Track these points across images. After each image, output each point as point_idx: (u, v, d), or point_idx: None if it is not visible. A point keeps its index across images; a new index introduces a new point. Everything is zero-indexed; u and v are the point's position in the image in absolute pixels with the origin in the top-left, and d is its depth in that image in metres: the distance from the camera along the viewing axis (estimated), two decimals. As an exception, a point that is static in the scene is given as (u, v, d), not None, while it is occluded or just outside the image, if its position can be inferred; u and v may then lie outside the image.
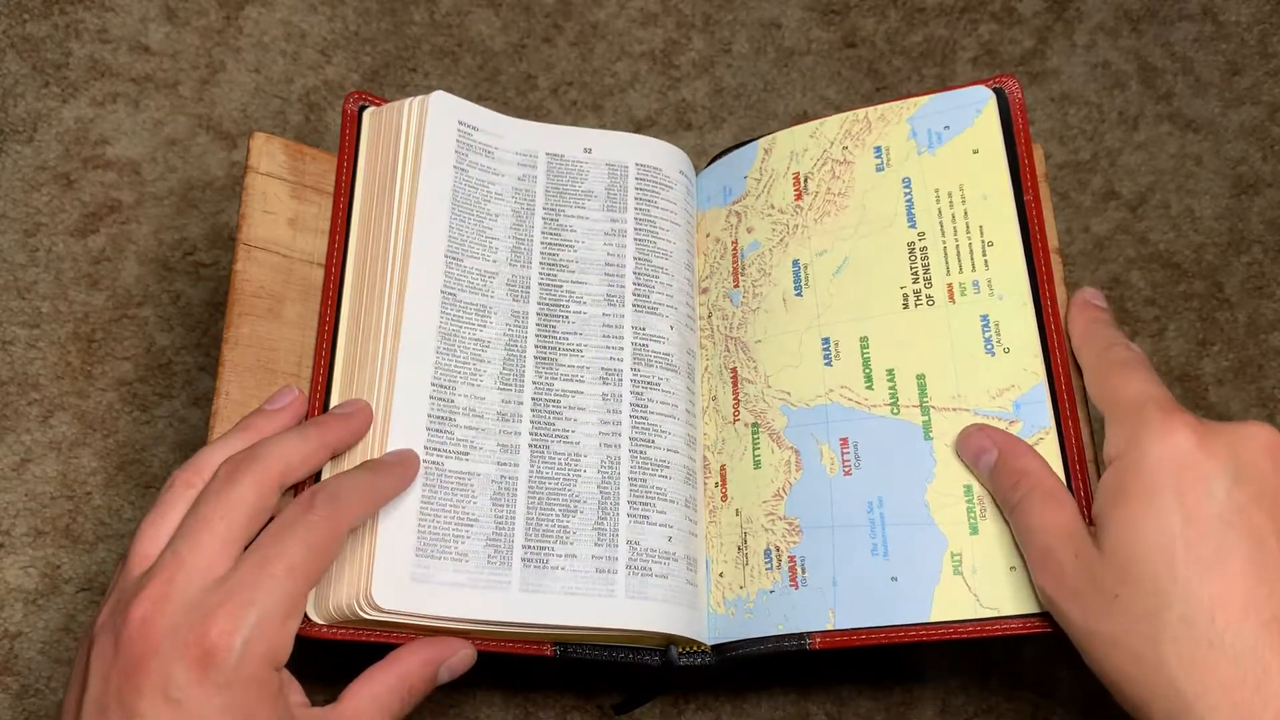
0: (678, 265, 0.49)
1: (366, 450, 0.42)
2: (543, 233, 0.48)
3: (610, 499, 0.44)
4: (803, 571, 0.43)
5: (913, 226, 0.45)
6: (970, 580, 0.40)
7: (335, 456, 0.41)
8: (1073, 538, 0.37)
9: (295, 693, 0.37)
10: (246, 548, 0.37)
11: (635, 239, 0.48)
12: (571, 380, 0.46)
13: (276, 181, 0.47)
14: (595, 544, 0.43)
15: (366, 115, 0.47)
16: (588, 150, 0.49)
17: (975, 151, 0.46)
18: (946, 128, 0.46)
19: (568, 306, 0.47)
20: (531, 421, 0.45)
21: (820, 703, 0.51)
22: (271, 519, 0.38)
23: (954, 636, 0.40)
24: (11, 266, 0.55)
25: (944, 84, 0.61)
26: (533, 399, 0.45)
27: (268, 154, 0.47)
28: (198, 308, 0.56)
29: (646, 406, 0.45)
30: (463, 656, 0.41)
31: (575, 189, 0.49)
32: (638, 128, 0.61)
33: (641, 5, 0.63)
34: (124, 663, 0.34)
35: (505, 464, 0.44)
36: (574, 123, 0.61)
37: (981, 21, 0.62)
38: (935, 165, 0.46)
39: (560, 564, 0.43)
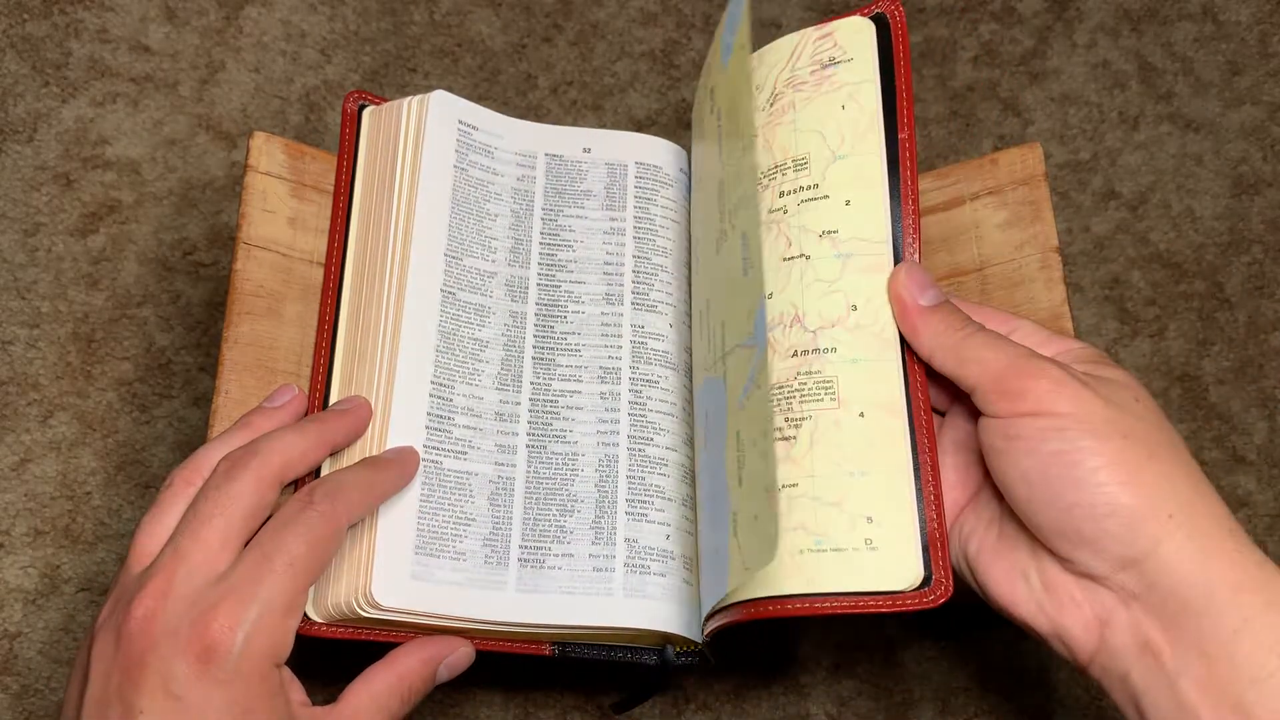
0: (677, 263, 0.49)
1: (366, 448, 0.42)
2: (541, 233, 0.48)
3: (608, 498, 0.44)
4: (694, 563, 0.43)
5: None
6: (743, 540, 0.38)
7: (334, 453, 0.41)
8: (1041, 355, 0.38)
9: (296, 691, 0.37)
10: (246, 544, 0.37)
11: (634, 237, 0.48)
12: (569, 380, 0.46)
13: (276, 181, 0.47)
14: (593, 543, 0.43)
15: (366, 115, 0.47)
16: (587, 150, 0.49)
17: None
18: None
19: (566, 307, 0.47)
20: (529, 422, 0.45)
21: (820, 703, 0.51)
22: (271, 515, 0.38)
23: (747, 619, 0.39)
24: (11, 266, 0.55)
25: (944, 83, 0.61)
26: (530, 399, 0.45)
27: (268, 153, 0.47)
28: (198, 307, 0.56)
29: (645, 404, 0.45)
30: (461, 654, 0.41)
31: (574, 189, 0.49)
32: (638, 127, 0.61)
33: (641, 5, 0.63)
34: (124, 659, 0.34)
35: (503, 464, 0.44)
36: (574, 122, 0.61)
37: (981, 21, 0.62)
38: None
39: (557, 564, 0.43)
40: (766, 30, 0.63)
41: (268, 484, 0.37)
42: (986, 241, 0.47)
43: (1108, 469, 0.35)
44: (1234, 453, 0.55)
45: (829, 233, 0.41)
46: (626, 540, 0.43)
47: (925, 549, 0.38)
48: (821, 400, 0.39)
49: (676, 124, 0.61)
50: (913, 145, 0.41)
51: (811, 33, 0.43)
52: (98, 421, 0.53)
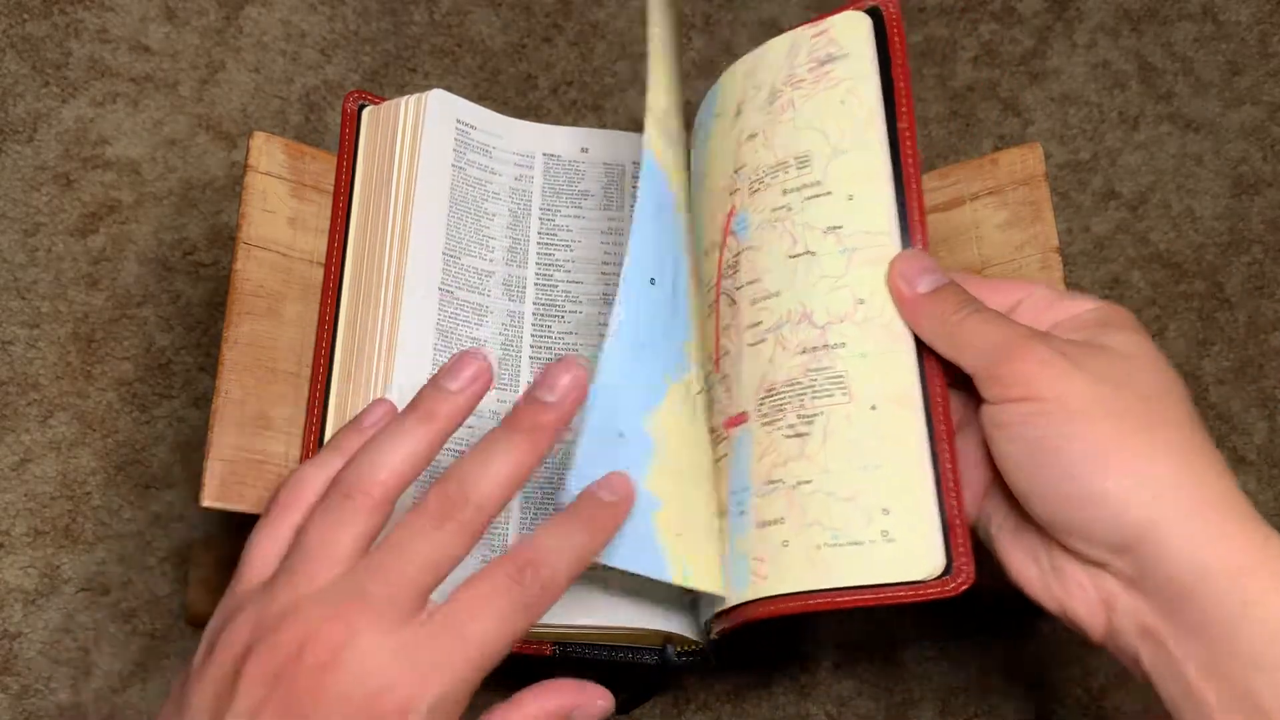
0: None
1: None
2: (539, 233, 0.48)
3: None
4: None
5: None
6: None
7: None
8: (1032, 333, 0.36)
9: None
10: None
11: None
12: None
13: (276, 181, 0.46)
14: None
15: (365, 114, 0.47)
16: (584, 150, 0.49)
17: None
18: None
19: (563, 306, 0.47)
20: None
21: (820, 703, 0.51)
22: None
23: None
24: (11, 266, 0.55)
25: (944, 83, 0.61)
26: None
27: (267, 153, 0.47)
28: (198, 307, 0.56)
29: None
30: (596, 710, 0.36)
31: (571, 189, 0.49)
32: (638, 128, 0.61)
33: (641, 5, 0.63)
34: (284, 707, 0.30)
35: None
36: (574, 122, 0.61)
37: (981, 21, 0.62)
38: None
39: None
40: (766, 30, 0.63)
41: (476, 537, 0.33)
42: (987, 241, 0.47)
43: (1087, 454, 0.34)
44: (1234, 453, 0.55)
45: (833, 228, 0.41)
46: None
47: (946, 537, 0.37)
48: (832, 396, 0.39)
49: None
50: (913, 136, 0.41)
51: (807, 30, 0.43)
52: (98, 421, 0.53)
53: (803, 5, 0.63)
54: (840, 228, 0.41)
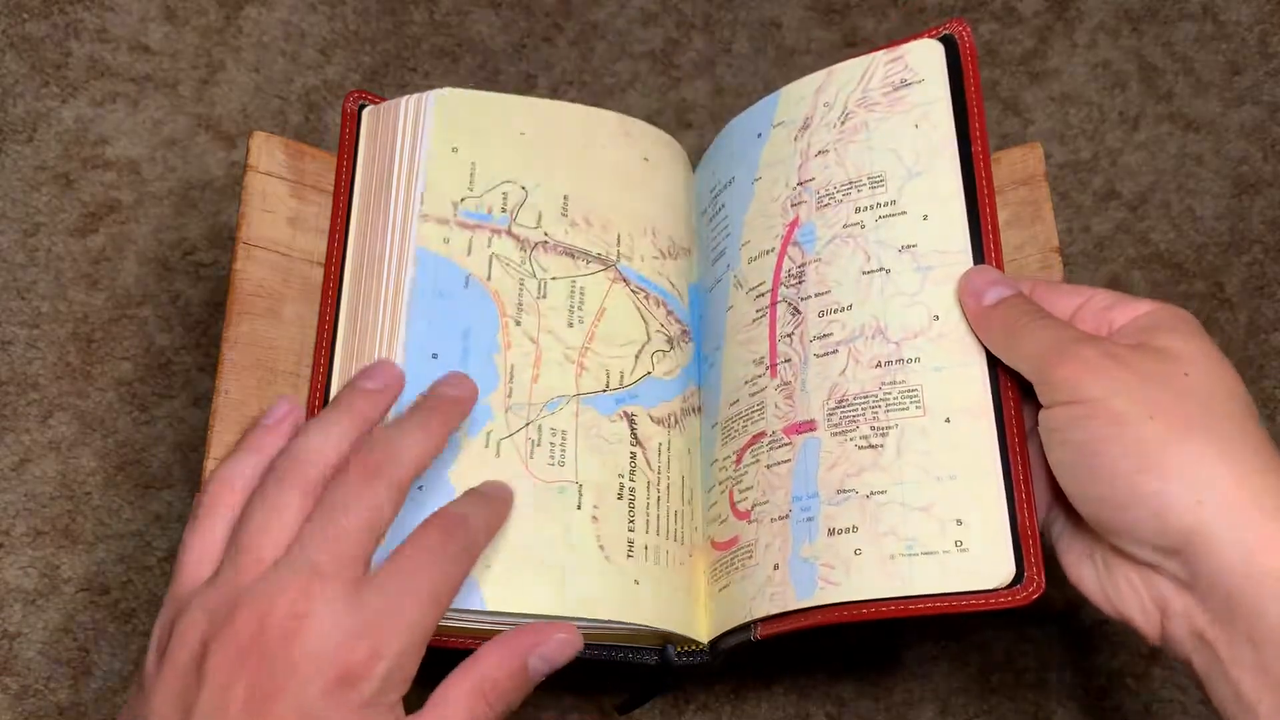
0: None
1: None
2: None
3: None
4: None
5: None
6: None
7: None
8: (1082, 336, 0.37)
9: None
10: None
11: None
12: None
13: (276, 181, 0.46)
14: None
15: (365, 114, 0.47)
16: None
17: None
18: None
19: None
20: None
21: (820, 703, 0.51)
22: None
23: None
24: (11, 266, 0.55)
25: (944, 84, 0.61)
26: None
27: (267, 153, 0.47)
28: (197, 307, 0.56)
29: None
30: (556, 643, 0.37)
31: None
32: (638, 128, 0.61)
33: (641, 5, 0.63)
34: (257, 680, 0.31)
35: None
36: (574, 123, 0.61)
37: (981, 21, 0.62)
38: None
39: None
40: (766, 30, 0.63)
41: (401, 498, 0.36)
42: (987, 241, 0.47)
43: (1129, 457, 0.34)
44: (1234, 453, 0.55)
45: (908, 247, 0.42)
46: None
47: (1017, 546, 0.38)
48: (907, 409, 0.40)
49: (676, 124, 0.61)
50: (987, 159, 0.43)
51: (882, 56, 0.45)
52: (98, 421, 0.53)
53: (804, 6, 0.63)
54: (915, 246, 0.42)
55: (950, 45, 0.44)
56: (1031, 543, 0.38)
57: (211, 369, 0.55)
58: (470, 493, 0.39)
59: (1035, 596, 0.37)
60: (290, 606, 0.32)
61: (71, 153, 0.58)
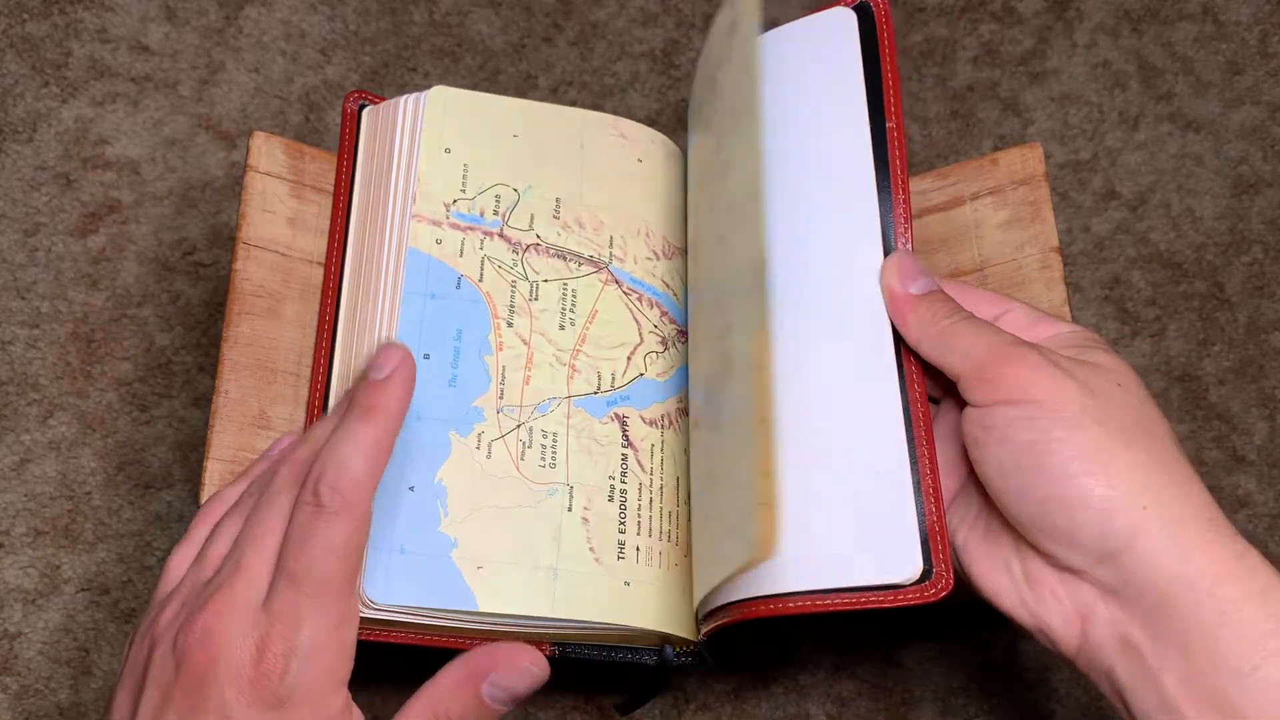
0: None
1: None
2: None
3: None
4: None
5: None
6: None
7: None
8: (1021, 340, 0.37)
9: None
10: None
11: None
12: None
13: (276, 181, 0.46)
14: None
15: (365, 114, 0.47)
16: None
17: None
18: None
19: None
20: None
21: (820, 703, 0.51)
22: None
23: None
24: (11, 266, 0.55)
25: (944, 83, 0.61)
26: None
27: (267, 153, 0.47)
28: (197, 307, 0.56)
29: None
30: (518, 672, 0.35)
31: None
32: (638, 128, 0.61)
33: (641, 5, 0.63)
34: (184, 679, 0.33)
35: None
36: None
37: (981, 21, 0.62)
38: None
39: None
40: (768, 30, 0.63)
41: (340, 512, 0.35)
42: (987, 241, 0.47)
43: (1080, 459, 0.34)
44: (1234, 453, 0.55)
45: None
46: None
47: (925, 543, 0.38)
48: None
49: (676, 124, 0.61)
50: (900, 135, 0.41)
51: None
52: (98, 421, 0.53)
53: (803, 6, 0.63)
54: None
55: (865, 14, 0.43)
56: (940, 538, 0.38)
57: (211, 369, 0.55)
58: (345, 407, 0.36)
59: (944, 594, 0.37)
60: (215, 607, 0.34)
61: (71, 153, 0.58)
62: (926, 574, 0.37)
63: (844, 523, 0.39)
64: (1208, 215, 0.59)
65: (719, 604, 0.40)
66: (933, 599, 0.37)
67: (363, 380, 0.37)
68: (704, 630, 0.42)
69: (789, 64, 0.45)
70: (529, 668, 0.35)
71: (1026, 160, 0.48)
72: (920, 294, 0.39)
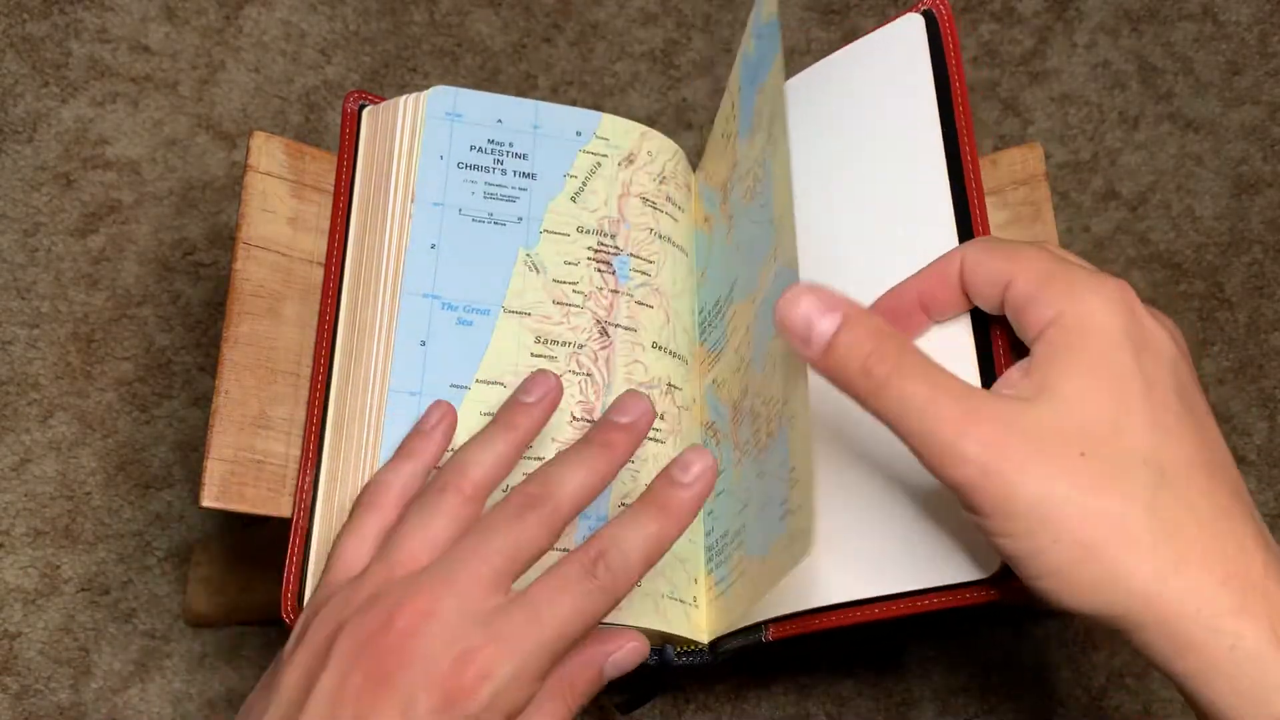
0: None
1: (361, 452, 0.41)
2: None
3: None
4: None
5: None
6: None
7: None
8: (990, 398, 0.32)
9: None
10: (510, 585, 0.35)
11: None
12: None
13: (276, 180, 0.46)
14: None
15: (365, 114, 0.47)
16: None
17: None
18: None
19: None
20: None
21: (820, 703, 0.51)
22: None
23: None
24: (11, 266, 0.55)
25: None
26: None
27: (267, 153, 0.46)
28: (198, 307, 0.56)
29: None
30: (627, 652, 0.37)
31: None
32: (638, 128, 0.61)
33: (641, 5, 0.63)
34: (372, 669, 0.32)
35: None
36: (574, 123, 0.61)
37: (981, 21, 0.62)
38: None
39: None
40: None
41: (557, 531, 0.36)
42: (986, 241, 0.47)
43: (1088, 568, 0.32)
44: (1234, 453, 0.55)
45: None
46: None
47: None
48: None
49: (676, 124, 0.61)
50: (971, 140, 0.41)
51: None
52: (98, 421, 0.53)
53: (803, 6, 0.63)
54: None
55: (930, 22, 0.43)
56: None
57: (211, 369, 0.55)
58: (644, 498, 0.36)
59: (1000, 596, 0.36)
60: (417, 607, 0.33)
61: (71, 153, 0.58)
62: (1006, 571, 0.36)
63: (913, 526, 0.38)
64: (1208, 215, 0.59)
65: (783, 612, 0.40)
66: (992, 598, 0.36)
67: (664, 474, 0.37)
68: (773, 634, 0.41)
69: (863, 77, 0.45)
70: (639, 647, 0.37)
71: (1026, 160, 0.48)
72: (830, 337, 0.33)
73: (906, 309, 0.38)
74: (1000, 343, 0.38)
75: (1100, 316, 0.33)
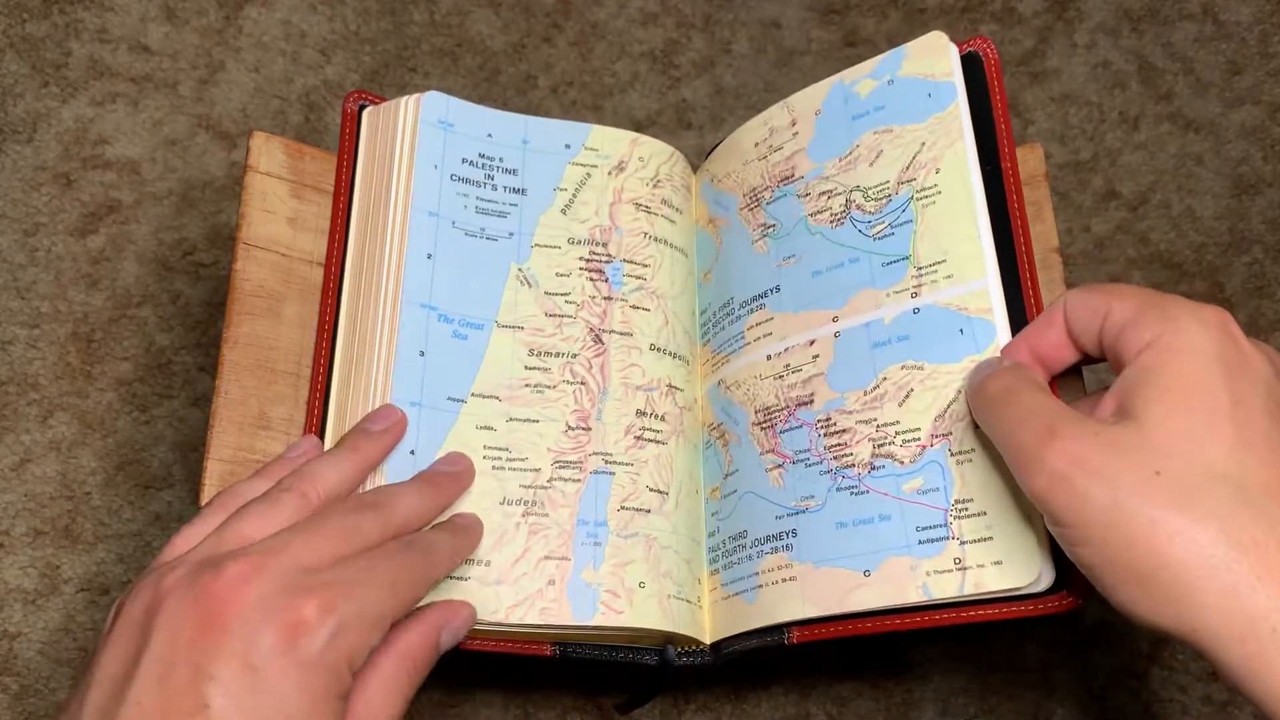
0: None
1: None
2: None
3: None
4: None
5: None
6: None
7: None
8: (1077, 416, 0.35)
9: None
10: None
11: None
12: None
13: (276, 181, 0.46)
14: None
15: (365, 114, 0.47)
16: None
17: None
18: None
19: None
20: None
21: (820, 703, 0.51)
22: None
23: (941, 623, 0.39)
24: (11, 266, 0.55)
25: (944, 84, 0.61)
26: None
27: (267, 153, 0.46)
28: (197, 308, 0.56)
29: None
30: (462, 618, 0.39)
31: None
32: (637, 127, 0.61)
33: (641, 5, 0.63)
34: (204, 620, 0.32)
35: None
36: (574, 123, 0.61)
37: (981, 21, 0.62)
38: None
39: None
40: (767, 31, 0.63)
41: (388, 536, 0.37)
42: (987, 241, 0.47)
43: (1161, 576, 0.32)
44: (1234, 453, 0.55)
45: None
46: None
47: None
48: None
49: (676, 124, 0.61)
50: (1019, 194, 0.43)
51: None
52: (98, 421, 0.53)
53: (803, 6, 0.63)
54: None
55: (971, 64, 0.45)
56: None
57: (211, 369, 0.55)
58: (443, 524, 0.41)
59: (1070, 605, 0.37)
60: (251, 562, 0.33)
61: (71, 153, 0.58)
62: (1059, 583, 0.37)
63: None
64: (1208, 215, 0.59)
65: (812, 615, 0.41)
66: (1057, 610, 0.37)
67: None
68: (797, 636, 0.42)
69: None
70: (470, 614, 0.40)
71: (1026, 160, 0.48)
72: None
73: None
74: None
75: (1194, 338, 0.34)
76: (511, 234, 0.46)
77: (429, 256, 0.44)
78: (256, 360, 0.44)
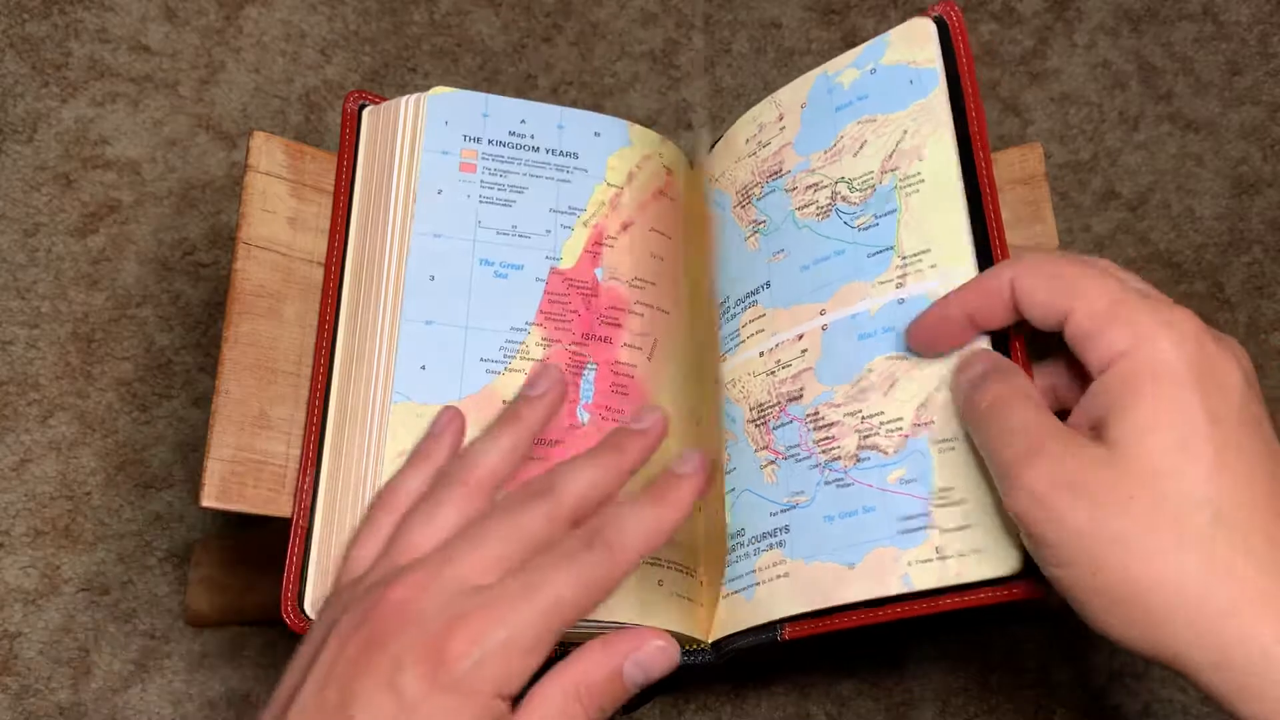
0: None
1: (365, 452, 0.41)
2: None
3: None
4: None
5: None
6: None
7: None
8: (1061, 434, 0.34)
9: None
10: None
11: None
12: None
13: (276, 180, 0.46)
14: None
15: (366, 114, 0.47)
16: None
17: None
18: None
19: None
20: None
21: (820, 703, 0.51)
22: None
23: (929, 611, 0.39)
24: (11, 266, 0.55)
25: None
26: None
27: (267, 153, 0.46)
28: (197, 307, 0.56)
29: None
30: (654, 650, 0.35)
31: None
32: (638, 128, 0.61)
33: (641, 5, 0.63)
34: (366, 636, 0.33)
35: None
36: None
37: (981, 21, 0.62)
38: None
39: None
40: (767, 30, 0.63)
41: (560, 524, 0.35)
42: (987, 241, 0.47)
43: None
44: (1234, 453, 0.55)
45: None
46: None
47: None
48: None
49: (676, 124, 0.61)
50: (985, 148, 0.42)
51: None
52: (98, 421, 0.53)
53: (803, 6, 0.63)
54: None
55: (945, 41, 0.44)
56: None
57: (211, 369, 0.55)
58: (638, 496, 0.36)
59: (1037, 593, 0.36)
60: (415, 581, 0.33)
61: (71, 153, 0.58)
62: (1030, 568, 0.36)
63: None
64: (1208, 215, 0.59)
65: (801, 610, 0.40)
66: (1036, 594, 0.36)
67: (668, 471, 0.37)
68: (789, 634, 0.42)
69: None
70: (667, 647, 0.36)
71: (1026, 160, 0.48)
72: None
73: (953, 322, 0.38)
74: (1019, 355, 0.38)
75: (1166, 354, 0.33)
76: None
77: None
78: (257, 360, 0.44)
